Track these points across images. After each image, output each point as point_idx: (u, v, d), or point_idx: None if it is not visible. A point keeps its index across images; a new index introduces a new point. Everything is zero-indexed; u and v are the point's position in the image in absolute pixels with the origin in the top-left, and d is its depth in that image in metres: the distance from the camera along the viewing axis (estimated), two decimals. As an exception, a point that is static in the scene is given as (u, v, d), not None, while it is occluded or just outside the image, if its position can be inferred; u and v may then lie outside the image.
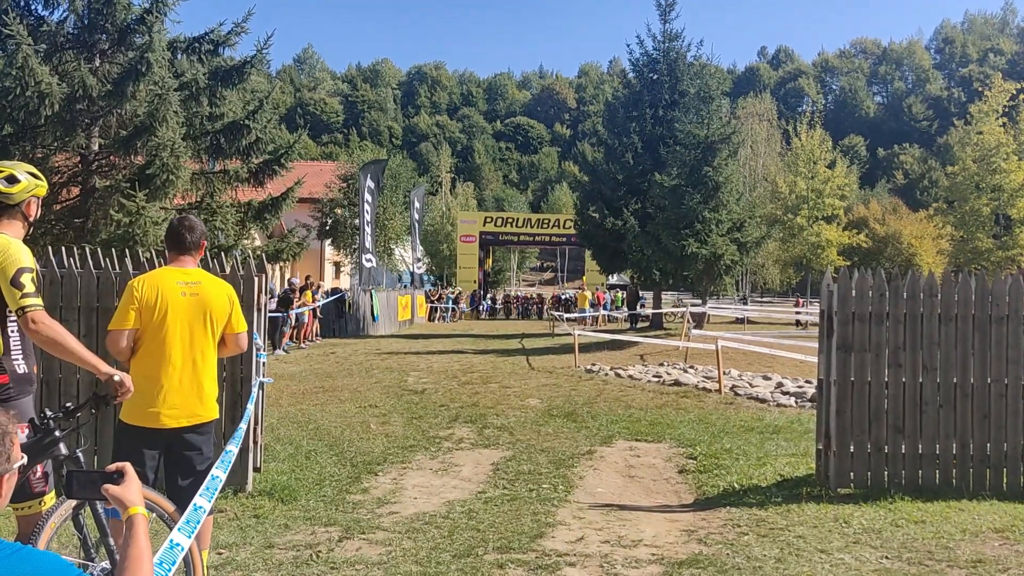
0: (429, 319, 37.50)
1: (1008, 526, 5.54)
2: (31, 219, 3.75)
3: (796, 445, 8.20)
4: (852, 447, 6.47)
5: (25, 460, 2.04)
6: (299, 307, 20.23)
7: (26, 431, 3.38)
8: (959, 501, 6.11)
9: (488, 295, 45.29)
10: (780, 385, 13.05)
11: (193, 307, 3.95)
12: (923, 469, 6.45)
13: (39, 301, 3.50)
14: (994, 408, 6.46)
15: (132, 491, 2.22)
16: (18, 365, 3.58)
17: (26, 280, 3.47)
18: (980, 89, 49.51)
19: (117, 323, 3.88)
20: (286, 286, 20.70)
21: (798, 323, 30.82)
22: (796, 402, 11.38)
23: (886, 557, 4.96)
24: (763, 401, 11.56)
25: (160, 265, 4.26)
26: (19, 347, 3.60)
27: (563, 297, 45.82)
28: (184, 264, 4.07)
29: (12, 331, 3.58)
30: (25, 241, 3.67)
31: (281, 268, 25.41)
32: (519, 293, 54.90)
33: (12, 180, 3.62)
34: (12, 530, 3.88)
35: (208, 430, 4.03)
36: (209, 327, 4.00)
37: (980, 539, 5.28)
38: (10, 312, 3.51)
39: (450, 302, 41.28)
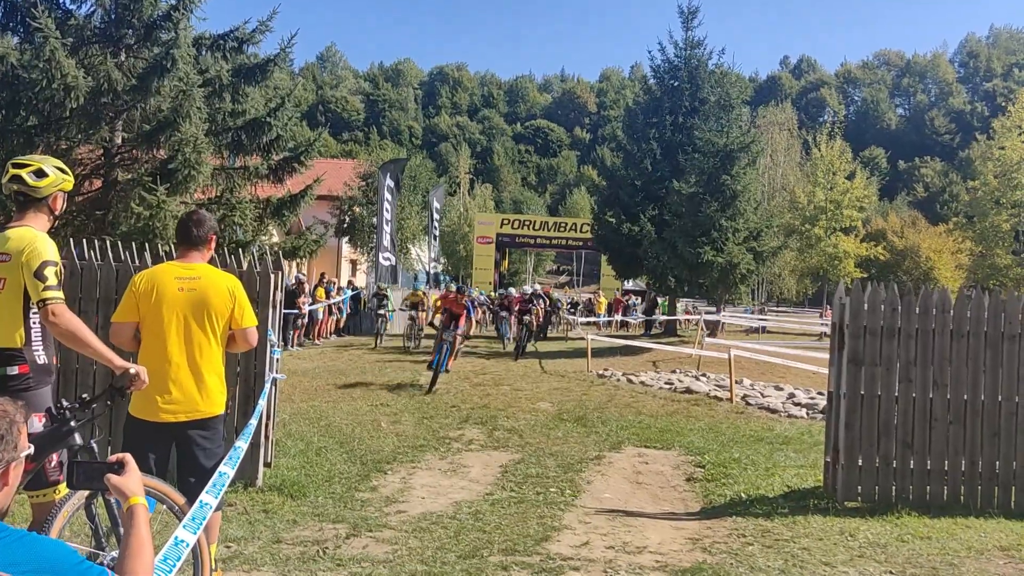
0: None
1: (1014, 545, 5.53)
2: (56, 212, 3.83)
3: (805, 457, 8.20)
4: (860, 461, 6.48)
5: (32, 450, 2.06)
6: (312, 304, 20.33)
7: (43, 420, 3.46)
8: (966, 518, 6.10)
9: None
10: (792, 396, 13.03)
11: (189, 301, 3.94)
12: (931, 485, 6.45)
13: (60, 294, 3.58)
14: (1004, 426, 6.46)
15: (132, 481, 2.26)
16: (38, 356, 3.67)
17: (49, 273, 3.55)
18: (1004, 104, 49.15)
19: (117, 315, 3.99)
20: (291, 280, 20.57)
21: (823, 335, 29.23)
22: (807, 413, 11.37)
23: (890, 572, 4.97)
24: (774, 411, 11.54)
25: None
26: (40, 338, 3.69)
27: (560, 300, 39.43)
28: (190, 259, 4.07)
29: (34, 323, 3.66)
30: (48, 233, 3.75)
31: (298, 264, 25.53)
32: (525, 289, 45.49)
33: (40, 174, 3.70)
34: (26, 517, 3.95)
35: (212, 425, 3.99)
36: (208, 321, 3.96)
37: (985, 557, 5.28)
38: (32, 304, 3.60)
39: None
